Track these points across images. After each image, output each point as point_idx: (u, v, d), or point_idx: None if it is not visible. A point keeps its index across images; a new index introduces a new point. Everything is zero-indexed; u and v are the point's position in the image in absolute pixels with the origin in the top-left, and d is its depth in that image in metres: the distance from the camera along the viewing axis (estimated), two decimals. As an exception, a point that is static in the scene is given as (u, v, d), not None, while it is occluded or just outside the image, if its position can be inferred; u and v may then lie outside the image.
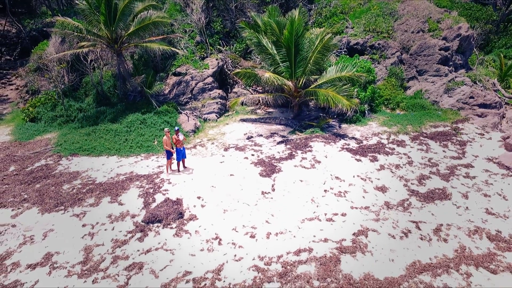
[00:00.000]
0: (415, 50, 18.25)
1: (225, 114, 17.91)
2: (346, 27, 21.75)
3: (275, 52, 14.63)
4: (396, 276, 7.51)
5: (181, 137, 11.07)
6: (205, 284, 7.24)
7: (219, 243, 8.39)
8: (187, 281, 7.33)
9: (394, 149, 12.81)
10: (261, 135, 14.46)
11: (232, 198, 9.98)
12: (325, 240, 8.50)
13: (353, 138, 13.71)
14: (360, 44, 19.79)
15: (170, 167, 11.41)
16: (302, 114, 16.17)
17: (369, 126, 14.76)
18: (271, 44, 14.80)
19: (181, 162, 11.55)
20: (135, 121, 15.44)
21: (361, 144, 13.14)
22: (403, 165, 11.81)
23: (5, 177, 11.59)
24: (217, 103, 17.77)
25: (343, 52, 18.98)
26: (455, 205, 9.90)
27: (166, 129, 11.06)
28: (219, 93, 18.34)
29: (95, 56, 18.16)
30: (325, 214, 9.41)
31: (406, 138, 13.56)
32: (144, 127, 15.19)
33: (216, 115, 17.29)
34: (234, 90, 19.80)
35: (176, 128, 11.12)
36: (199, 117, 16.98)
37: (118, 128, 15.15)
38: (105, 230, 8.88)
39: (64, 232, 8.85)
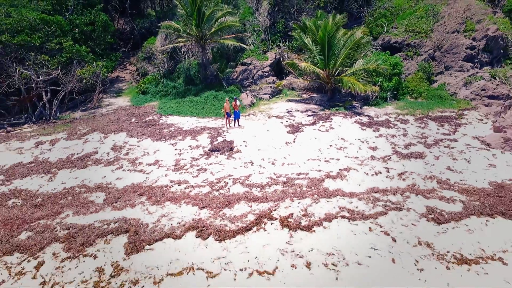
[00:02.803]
0: (446, 49, 20.80)
1: (277, 96, 22.98)
2: (392, 27, 24.89)
3: (314, 47, 19.17)
4: (357, 192, 11.80)
5: (238, 103, 16.59)
6: (239, 181, 12.56)
7: (251, 164, 13.64)
8: (229, 178, 12.74)
9: (396, 124, 16.45)
10: (298, 110, 19.23)
11: (265, 144, 15.14)
12: (319, 171, 13.10)
13: (367, 115, 17.63)
14: (398, 42, 22.93)
15: (229, 124, 17.04)
16: (334, 98, 20.39)
17: (385, 109, 18.39)
18: (312, 42, 19.35)
19: (236, 121, 17.10)
20: (210, 96, 21.54)
21: (372, 120, 17.03)
22: (398, 135, 15.50)
23: (131, 123, 18.58)
24: (271, 87, 22.93)
25: (378, 49, 22.42)
26: (425, 162, 13.47)
27: (226, 98, 16.71)
28: (273, 80, 23.48)
29: (186, 49, 24.88)
30: (325, 158, 13.94)
31: (411, 118, 16.98)
32: (215, 100, 21.17)
33: (269, 96, 22.48)
34: (287, 78, 24.69)
35: (235, 97, 16.68)
36: (256, 96, 22.37)
37: (198, 100, 21.43)
38: (187, 152, 14.86)
39: (164, 151, 15.08)
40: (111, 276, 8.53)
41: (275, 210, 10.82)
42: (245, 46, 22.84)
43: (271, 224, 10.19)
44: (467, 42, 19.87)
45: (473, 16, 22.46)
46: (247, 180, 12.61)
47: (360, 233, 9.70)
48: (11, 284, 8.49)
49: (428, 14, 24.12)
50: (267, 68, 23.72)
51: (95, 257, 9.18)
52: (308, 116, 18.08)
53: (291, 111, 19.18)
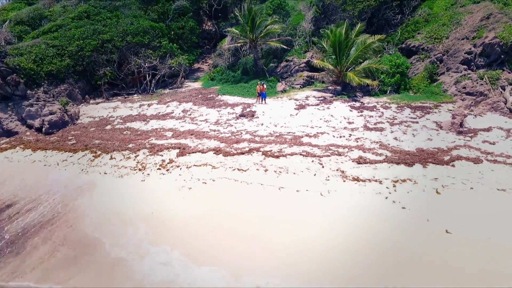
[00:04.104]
0: (451, 53, 24.44)
1: (307, 86, 29.37)
2: (418, 33, 28.93)
3: (329, 49, 25.17)
4: (320, 144, 18.06)
5: (265, 86, 23.92)
6: (249, 133, 19.94)
7: (261, 125, 20.87)
8: (244, 131, 20.22)
9: (379, 109, 21.64)
10: (314, 97, 25.51)
11: (276, 114, 22.18)
12: (303, 132, 19.62)
13: (361, 102, 23.06)
14: (416, 46, 27.11)
15: (258, 101, 24.49)
16: (346, 89, 25.96)
17: (380, 99, 23.45)
18: (329, 45, 25.31)
19: (263, 100, 24.44)
20: (254, 83, 29.11)
21: (362, 105, 22.48)
22: (375, 116, 20.81)
23: (197, 98, 27.45)
24: (303, 79, 29.41)
25: (393, 52, 26.99)
26: (381, 133, 18.79)
27: (258, 82, 24.14)
28: (306, 74, 29.89)
29: (245, 48, 32.90)
30: (311, 126, 20.32)
31: (393, 106, 21.90)
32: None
33: (300, 86, 29.01)
34: (317, 72, 30.77)
35: (262, 82, 24.01)
36: (290, 85, 29.15)
37: (246, 85, 29.27)
38: (225, 116, 22.83)
39: (212, 114, 23.32)
40: (168, 163, 16.96)
41: (262, 148, 17.97)
42: (285, 47, 29.72)
43: (256, 153, 17.42)
44: (467, 48, 23.26)
45: (490, 24, 25.20)
46: (255, 133, 19.94)
47: (304, 162, 16.27)
48: (123, 161, 17.61)
49: (451, 21, 27.42)
50: (303, 65, 30.19)
51: (162, 155, 17.79)
52: (318, 100, 24.33)
53: (308, 96, 25.58)
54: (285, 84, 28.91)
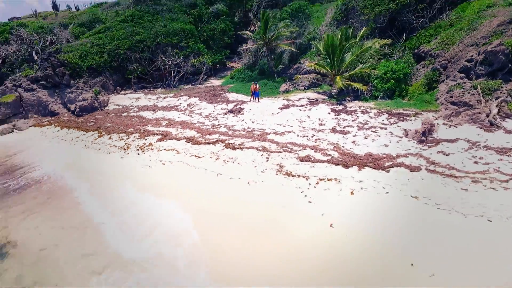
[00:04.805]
0: (454, 60, 23.17)
1: (313, 88, 30.26)
2: (435, 37, 27.77)
3: (325, 53, 25.88)
4: (280, 142, 19.50)
5: (257, 86, 25.83)
6: (226, 127, 22.23)
7: (242, 121, 22.95)
8: (224, 125, 22.57)
9: (357, 114, 21.91)
10: (309, 98, 26.50)
11: (259, 112, 24.00)
12: (273, 129, 21.18)
13: (345, 106, 23.46)
14: (424, 52, 26.18)
15: (251, 99, 26.51)
16: (342, 92, 26.34)
17: (366, 103, 23.49)
18: (324, 48, 26.01)
19: (256, 98, 26.36)
20: (262, 83, 31.07)
21: (344, 109, 22.94)
22: (348, 120, 21.23)
23: (206, 94, 30.53)
24: (309, 81, 30.39)
25: (397, 57, 26.33)
26: (343, 137, 19.36)
27: (253, 82, 26.16)
28: (314, 76, 30.78)
29: (262, 50, 34.96)
30: (284, 124, 21.71)
31: (373, 111, 21.91)
32: (263, 86, 30.57)
33: (304, 87, 30.07)
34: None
35: (255, 82, 25.97)
36: (295, 87, 30.40)
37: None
38: (217, 110, 25.44)
39: (208, 108, 26.14)
40: (147, 146, 20.30)
41: (228, 140, 20.16)
42: (293, 49, 30.99)
43: (220, 144, 19.71)
44: (468, 55, 21.81)
45: (510, 30, 23.15)
46: (231, 127, 22.16)
47: (254, 155, 18.06)
48: (116, 141, 21.50)
49: (469, 26, 25.70)
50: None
51: (146, 139, 21.23)
52: (307, 102, 25.34)
53: (303, 98, 26.64)
54: (290, 85, 30.26)
